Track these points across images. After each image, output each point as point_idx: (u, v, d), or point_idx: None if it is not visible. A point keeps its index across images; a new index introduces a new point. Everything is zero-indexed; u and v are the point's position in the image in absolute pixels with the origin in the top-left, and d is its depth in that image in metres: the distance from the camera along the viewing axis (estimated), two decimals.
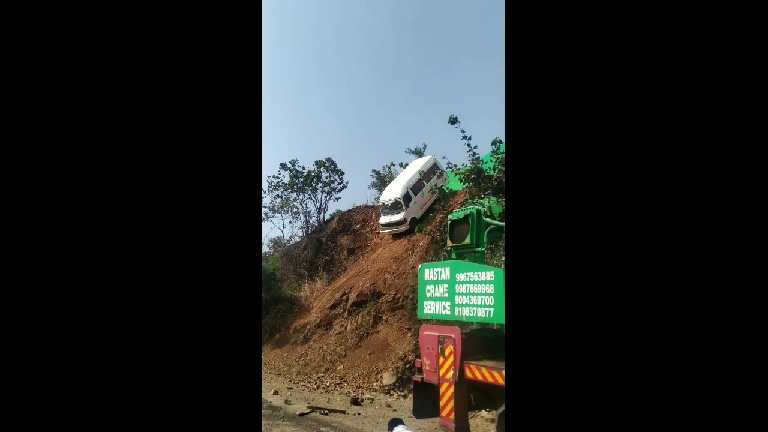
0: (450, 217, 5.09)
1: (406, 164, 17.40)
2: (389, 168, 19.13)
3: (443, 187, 13.41)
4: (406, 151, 18.90)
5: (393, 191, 14.34)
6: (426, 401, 4.75)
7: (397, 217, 13.74)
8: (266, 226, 18.48)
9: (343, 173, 18.19)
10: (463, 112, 42.00)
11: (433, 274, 4.81)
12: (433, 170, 14.69)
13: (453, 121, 10.40)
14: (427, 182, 14.28)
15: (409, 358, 8.96)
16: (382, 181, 18.88)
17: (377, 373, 9.47)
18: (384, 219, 14.30)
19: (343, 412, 7.00)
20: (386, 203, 14.29)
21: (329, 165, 18.08)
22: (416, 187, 14.09)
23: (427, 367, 4.63)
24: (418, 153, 18.78)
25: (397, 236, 13.79)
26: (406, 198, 13.80)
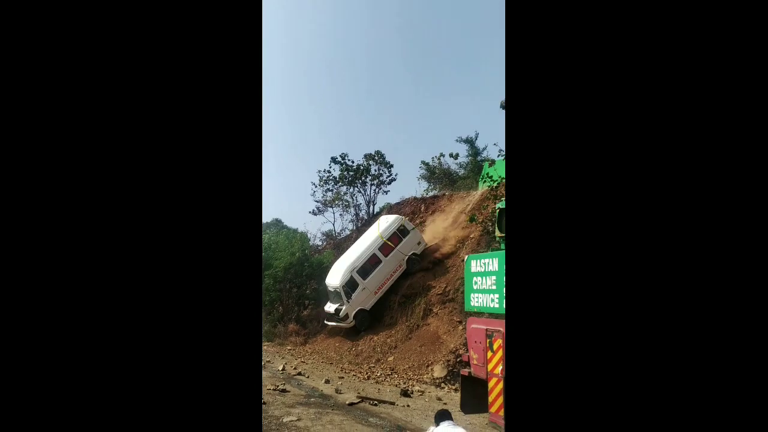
0: (499, 206, 4.87)
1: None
2: (439, 159, 18.78)
3: (491, 175, 10.78)
4: (456, 140, 18.38)
5: (334, 275, 11.59)
6: (474, 396, 4.60)
7: (334, 308, 11.33)
8: (318, 220, 18.93)
9: (391, 165, 18.16)
10: None
11: (481, 265, 4.62)
12: (401, 233, 11.73)
13: (504, 106, 9.98)
14: (395, 245, 11.49)
15: (460, 351, 8.77)
16: (431, 172, 18.60)
17: (428, 366, 9.39)
18: (328, 307, 11.86)
19: (393, 404, 7.00)
20: (329, 288, 11.76)
21: (378, 158, 18.13)
22: (367, 266, 11.27)
23: (475, 362, 4.48)
24: (470, 142, 18.24)
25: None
26: (350, 285, 11.07)
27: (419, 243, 12.07)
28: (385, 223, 12.27)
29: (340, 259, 12.54)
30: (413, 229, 12.20)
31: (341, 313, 11.18)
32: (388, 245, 11.59)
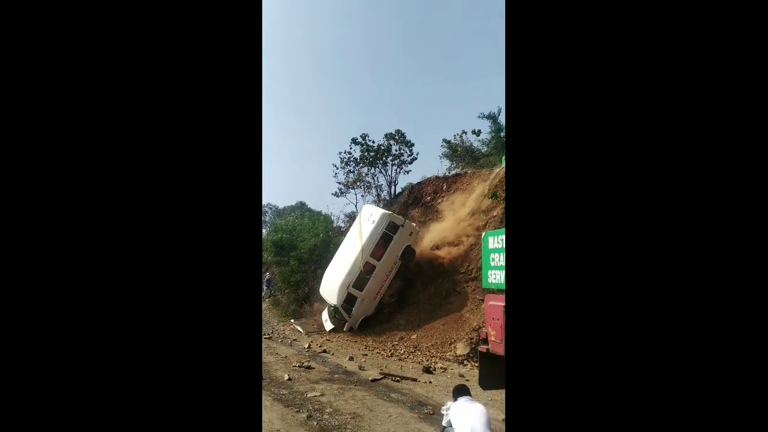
0: None
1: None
2: (461, 136, 18.40)
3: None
4: (479, 116, 17.90)
5: (330, 292, 11.19)
6: (493, 372, 4.59)
7: (335, 321, 11.28)
8: (340, 201, 19.01)
9: (413, 145, 17.95)
10: None
11: (498, 242, 4.54)
12: (391, 230, 11.01)
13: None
14: (387, 245, 10.84)
15: (483, 328, 8.76)
16: (453, 150, 18.28)
17: (451, 343, 9.44)
18: (326, 318, 11.71)
19: (415, 380, 7.10)
20: (327, 301, 11.51)
21: (399, 137, 17.94)
22: (362, 276, 10.75)
23: (493, 338, 4.45)
24: (492, 118, 17.76)
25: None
26: (349, 301, 10.84)
27: (411, 233, 11.40)
28: (369, 221, 11.31)
29: (332, 267, 11.74)
30: (403, 222, 11.39)
31: (345, 327, 11.12)
32: (379, 248, 10.87)
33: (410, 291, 12.32)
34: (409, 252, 11.41)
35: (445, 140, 18.56)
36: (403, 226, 11.24)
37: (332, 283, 11.20)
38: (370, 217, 11.48)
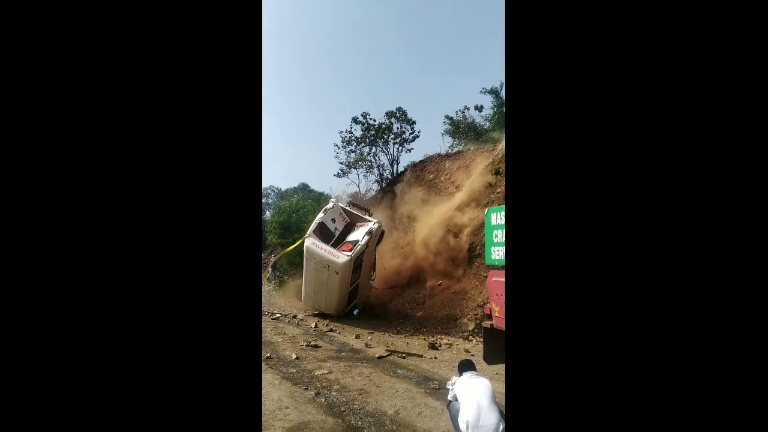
0: None
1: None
2: (463, 112, 18.14)
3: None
4: (481, 91, 17.61)
5: (327, 306, 10.53)
6: (497, 347, 4.63)
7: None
8: (343, 181, 18.95)
9: (414, 122, 17.73)
10: None
11: (500, 218, 4.50)
12: (346, 220, 10.49)
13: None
14: (363, 254, 9.76)
15: (488, 305, 8.83)
16: (456, 127, 18.05)
17: (456, 320, 9.55)
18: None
19: (420, 356, 7.20)
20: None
21: (400, 115, 17.71)
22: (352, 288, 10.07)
23: (497, 314, 4.47)
24: (495, 93, 17.45)
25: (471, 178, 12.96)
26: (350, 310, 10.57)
27: (374, 223, 10.38)
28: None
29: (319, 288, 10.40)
30: (365, 217, 10.62)
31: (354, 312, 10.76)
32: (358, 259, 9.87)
33: (416, 269, 12.40)
34: (377, 237, 10.58)
35: (447, 117, 18.32)
36: (368, 223, 10.39)
37: (320, 298, 10.58)
38: (327, 210, 10.77)
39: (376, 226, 10.26)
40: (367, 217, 10.89)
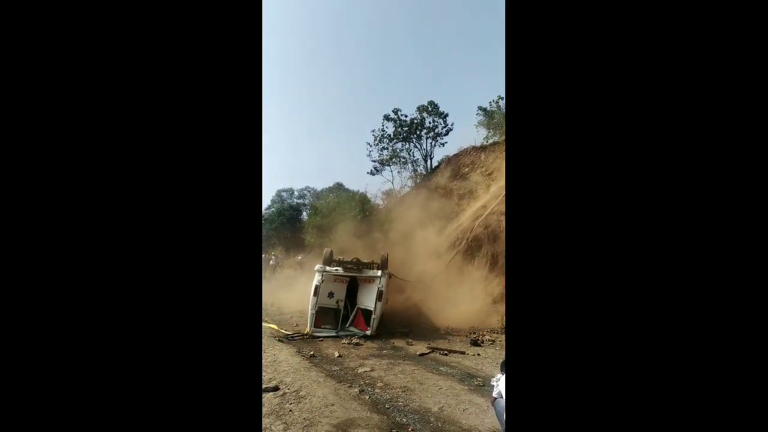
0: None
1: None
2: (497, 102, 17.69)
3: None
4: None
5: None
6: None
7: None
8: (377, 180, 19.01)
9: (446, 115, 17.50)
10: None
11: None
12: (346, 281, 8.78)
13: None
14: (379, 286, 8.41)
15: None
16: (490, 117, 17.63)
17: (497, 315, 9.36)
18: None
19: (463, 353, 7.12)
20: None
21: (432, 109, 17.53)
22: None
23: None
24: None
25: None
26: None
27: (380, 278, 8.66)
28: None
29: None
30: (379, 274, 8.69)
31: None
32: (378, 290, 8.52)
33: (451, 267, 12.25)
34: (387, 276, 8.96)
35: (480, 108, 17.94)
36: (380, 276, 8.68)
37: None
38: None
39: (383, 281, 8.65)
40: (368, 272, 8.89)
